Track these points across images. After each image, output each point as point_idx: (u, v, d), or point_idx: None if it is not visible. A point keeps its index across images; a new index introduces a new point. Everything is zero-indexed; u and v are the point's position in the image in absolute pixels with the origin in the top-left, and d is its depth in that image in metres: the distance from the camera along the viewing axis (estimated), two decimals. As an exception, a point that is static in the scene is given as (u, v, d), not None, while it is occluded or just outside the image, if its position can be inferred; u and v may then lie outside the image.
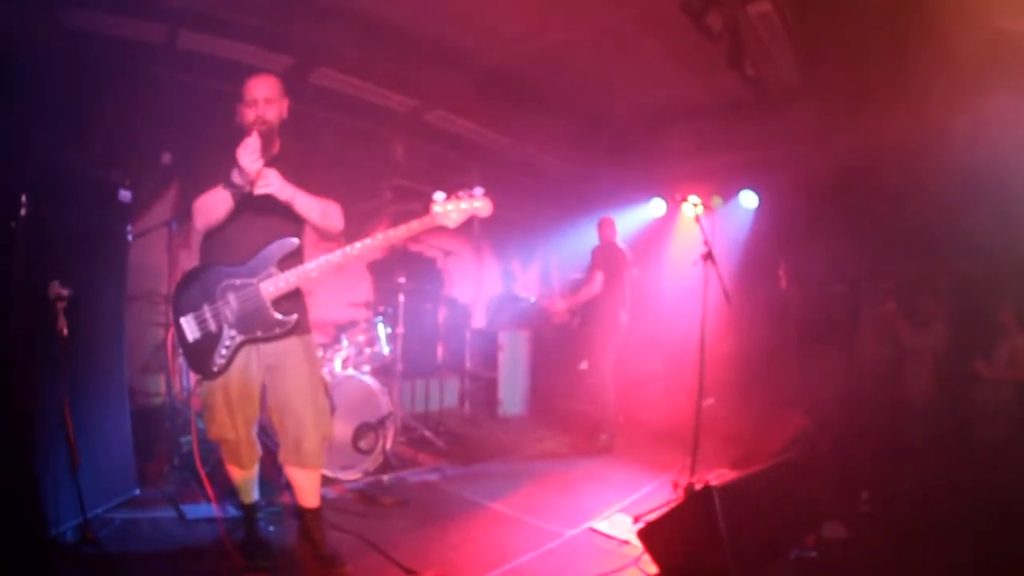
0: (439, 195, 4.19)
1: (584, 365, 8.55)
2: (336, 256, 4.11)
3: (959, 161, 6.21)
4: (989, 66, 5.78)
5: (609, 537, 5.43)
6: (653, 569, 4.69)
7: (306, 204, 4.14)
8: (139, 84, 6.89)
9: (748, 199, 9.46)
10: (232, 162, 3.83)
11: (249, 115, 4.19)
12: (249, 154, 3.77)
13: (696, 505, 4.37)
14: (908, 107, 6.63)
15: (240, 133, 4.11)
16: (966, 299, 6.56)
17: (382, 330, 7.22)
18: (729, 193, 9.49)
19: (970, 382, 6.40)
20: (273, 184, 3.96)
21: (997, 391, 6.26)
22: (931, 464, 5.73)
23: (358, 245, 4.12)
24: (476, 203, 4.20)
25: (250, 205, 4.02)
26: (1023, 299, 6.20)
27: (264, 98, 4.23)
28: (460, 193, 4.20)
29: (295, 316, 4.18)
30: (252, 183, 3.89)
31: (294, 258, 4.19)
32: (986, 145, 6.10)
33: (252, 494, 4.55)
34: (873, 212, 7.13)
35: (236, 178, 3.84)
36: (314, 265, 4.11)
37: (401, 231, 4.21)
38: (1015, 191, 5.98)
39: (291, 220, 4.21)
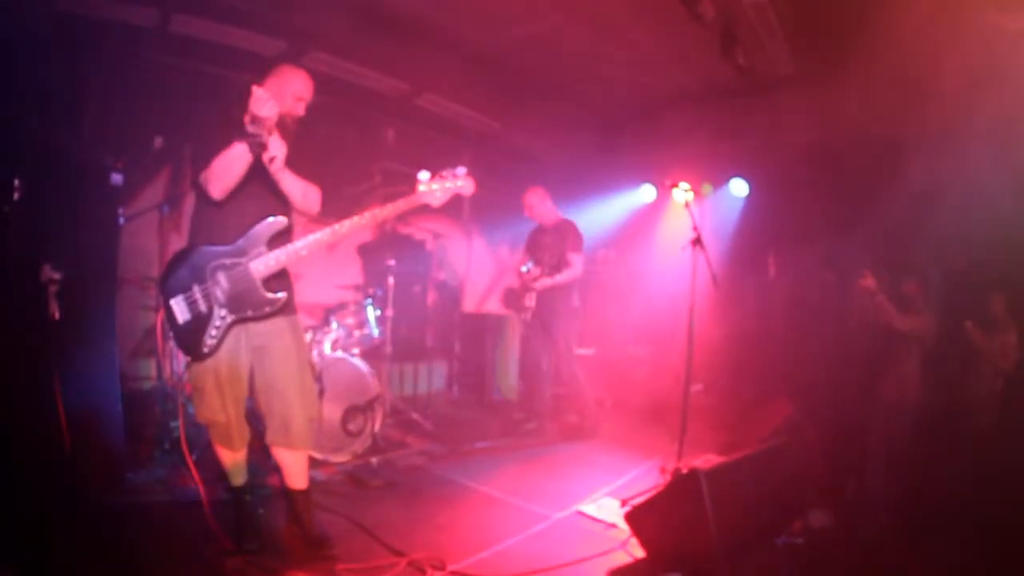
0: (424, 174, 4.33)
1: (578, 350, 8.56)
2: (325, 234, 4.17)
3: (950, 152, 6.22)
4: (983, 60, 5.80)
5: (597, 520, 5.48)
6: (640, 552, 4.73)
7: (291, 183, 4.20)
8: (131, 68, 6.87)
9: (738, 187, 9.48)
10: (229, 139, 3.87)
11: (289, 105, 4.30)
12: (264, 101, 3.79)
13: (683, 489, 4.40)
14: (900, 98, 6.64)
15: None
16: (956, 291, 6.57)
17: (371, 312, 7.23)
18: (719, 181, 9.52)
19: (961, 373, 6.41)
20: (278, 152, 4.00)
21: (989, 382, 6.27)
22: (920, 454, 5.75)
23: (347, 223, 4.19)
24: (459, 182, 4.36)
25: (239, 186, 4.02)
26: (1014, 292, 6.20)
27: (307, 102, 4.40)
28: (444, 172, 4.35)
29: (284, 294, 4.20)
30: (268, 131, 3.91)
31: (283, 237, 4.21)
32: (978, 136, 6.12)
33: (241, 476, 4.56)
34: (863, 202, 7.16)
35: (251, 127, 3.83)
36: (303, 243, 4.14)
37: (388, 209, 4.33)
38: (1006, 184, 6.00)
39: (279, 200, 4.23)
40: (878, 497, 5.48)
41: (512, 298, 8.63)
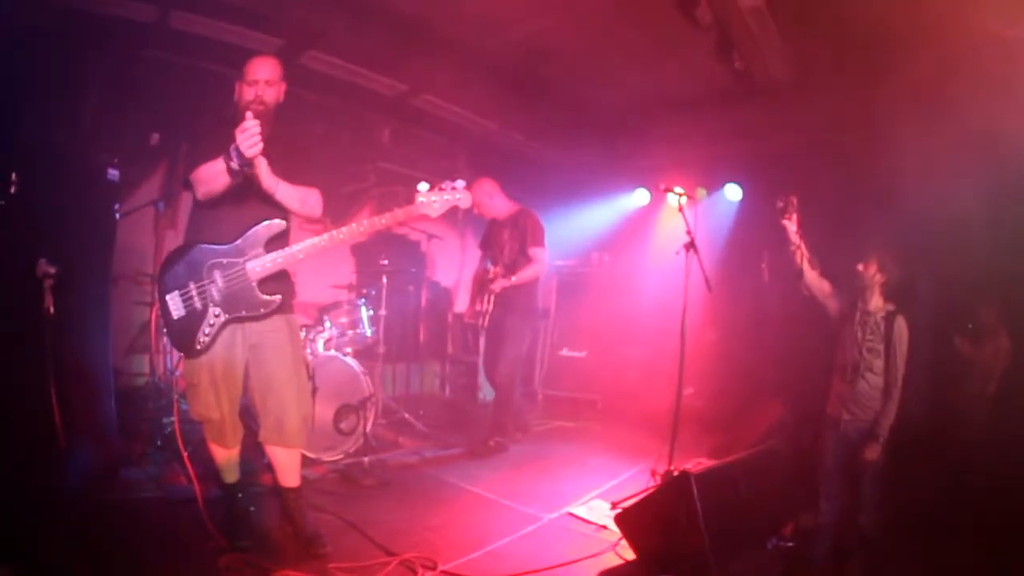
0: (423, 186, 4.38)
1: (565, 351, 8.47)
2: (323, 239, 4.19)
3: (946, 160, 6.22)
4: (983, 66, 5.81)
5: (587, 522, 5.49)
6: (630, 554, 4.74)
7: (286, 194, 4.21)
8: (128, 64, 6.86)
9: (732, 192, 9.49)
10: (228, 139, 3.85)
11: (248, 94, 4.27)
12: (248, 139, 3.75)
13: (674, 491, 4.42)
14: (895, 104, 6.65)
15: (236, 110, 4.19)
16: (947, 301, 6.56)
17: (364, 312, 7.26)
18: (713, 185, 9.50)
19: (956, 376, 6.39)
20: (261, 173, 4.00)
21: (980, 385, 6.24)
22: (913, 456, 5.72)
23: (345, 230, 4.23)
24: (457, 195, 4.38)
25: (238, 186, 4.03)
26: (1006, 300, 6.19)
27: (265, 79, 4.30)
28: (443, 185, 4.36)
29: (279, 297, 4.24)
30: (249, 166, 3.90)
31: (281, 239, 4.25)
32: (976, 143, 6.12)
33: (234, 474, 4.59)
34: (857, 209, 7.16)
35: (233, 160, 3.83)
36: (301, 247, 4.18)
37: (386, 218, 4.37)
38: (1001, 191, 6.00)
39: (277, 203, 4.23)
40: (829, 527, 5.26)
41: (469, 304, 8.07)
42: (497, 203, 7.82)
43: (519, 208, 7.84)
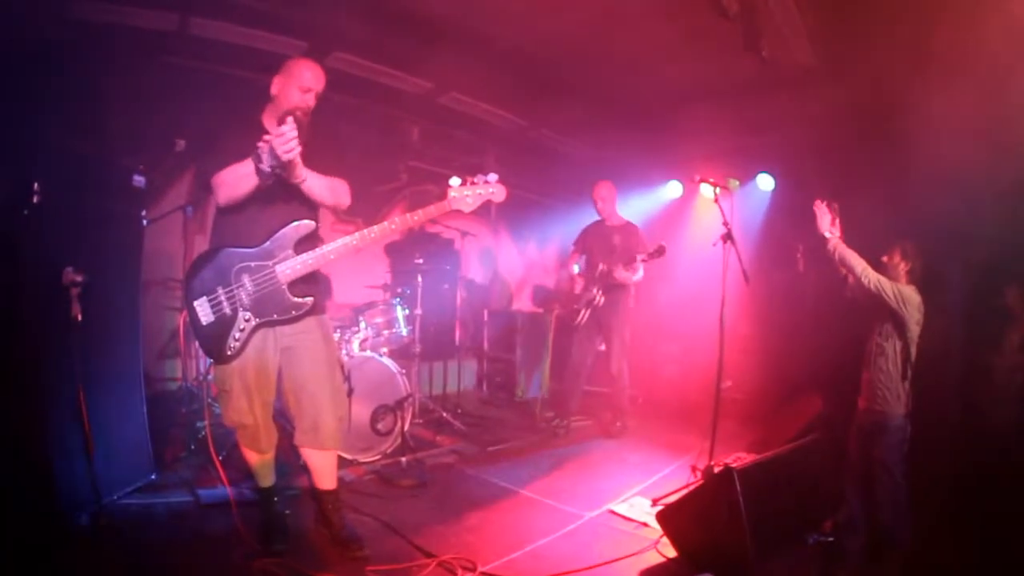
0: (455, 180, 4.30)
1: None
2: (354, 239, 4.14)
3: (974, 146, 6.13)
4: (1011, 50, 5.70)
5: (628, 519, 5.44)
6: (672, 552, 4.68)
7: (316, 185, 4.14)
8: (152, 71, 6.90)
9: (765, 182, 9.40)
10: (253, 143, 3.80)
11: (298, 99, 4.20)
12: (285, 143, 3.67)
13: (716, 487, 4.36)
14: (924, 91, 6.55)
15: (273, 105, 4.17)
16: (976, 287, 6.46)
17: (400, 312, 7.25)
18: (745, 176, 9.43)
19: (983, 369, 6.27)
20: (300, 173, 3.95)
21: (1010, 376, 6.14)
22: (947, 451, 5.62)
23: (376, 228, 4.16)
24: (491, 189, 4.31)
25: (265, 187, 3.98)
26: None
27: (318, 92, 4.29)
28: (475, 179, 4.29)
29: (311, 299, 4.19)
30: (285, 170, 3.85)
31: (310, 240, 4.20)
32: (1002, 129, 6.02)
33: (269, 478, 4.56)
34: (888, 196, 7.06)
35: (264, 162, 3.77)
36: (332, 247, 4.12)
37: (419, 215, 4.32)
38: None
39: (306, 202, 4.20)
40: (856, 520, 5.20)
41: (576, 296, 8.32)
42: (615, 207, 8.40)
43: (628, 221, 8.42)
